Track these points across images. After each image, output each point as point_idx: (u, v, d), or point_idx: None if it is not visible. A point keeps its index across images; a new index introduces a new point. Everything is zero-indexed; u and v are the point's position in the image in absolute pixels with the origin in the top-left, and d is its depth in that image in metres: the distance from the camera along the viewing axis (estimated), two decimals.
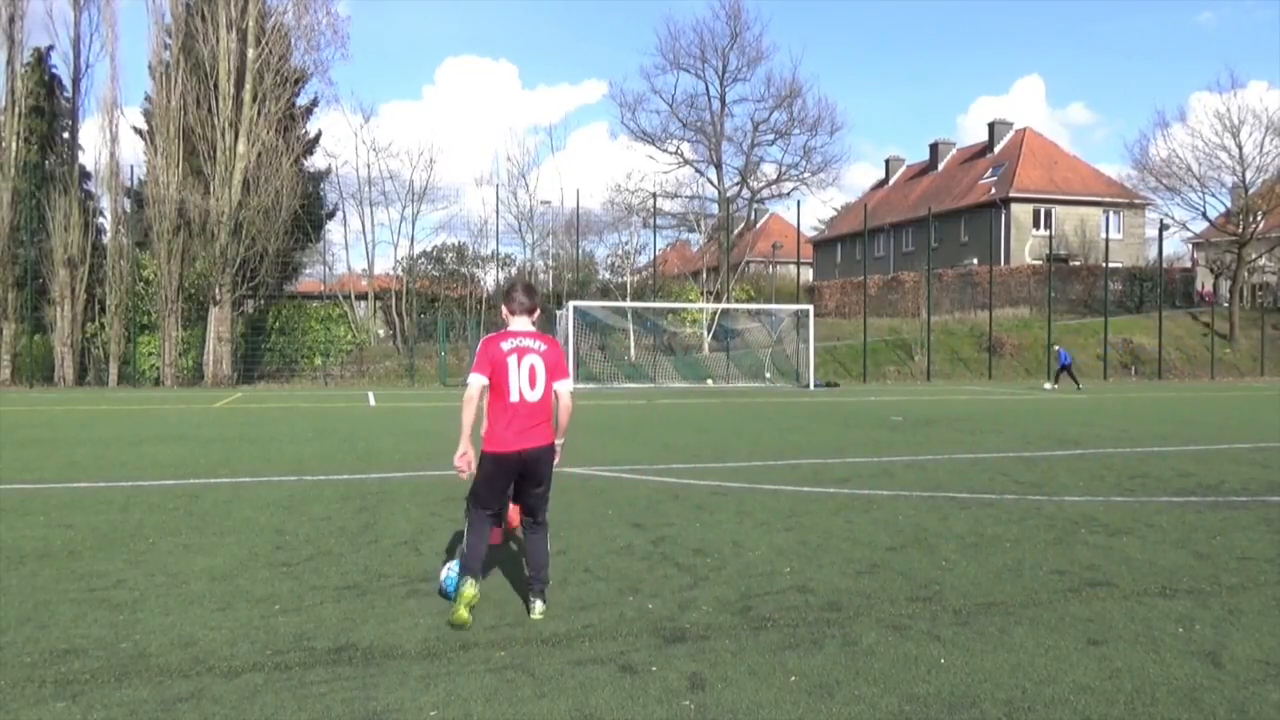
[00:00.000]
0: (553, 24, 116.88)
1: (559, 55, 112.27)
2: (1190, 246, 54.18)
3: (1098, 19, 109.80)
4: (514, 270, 42.24)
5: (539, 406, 4.93)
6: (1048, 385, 30.83)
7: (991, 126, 53.44)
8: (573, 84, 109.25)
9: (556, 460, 5.12)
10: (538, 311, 5.17)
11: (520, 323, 5.07)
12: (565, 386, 5.08)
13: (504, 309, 5.16)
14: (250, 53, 32.51)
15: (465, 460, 4.95)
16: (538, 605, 4.96)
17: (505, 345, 4.94)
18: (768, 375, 34.33)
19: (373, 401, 23.73)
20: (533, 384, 4.91)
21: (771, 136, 44.60)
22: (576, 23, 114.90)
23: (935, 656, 4.30)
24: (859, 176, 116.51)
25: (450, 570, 5.22)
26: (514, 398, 4.88)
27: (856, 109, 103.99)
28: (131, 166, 35.35)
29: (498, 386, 4.91)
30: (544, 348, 5.00)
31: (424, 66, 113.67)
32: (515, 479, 5.02)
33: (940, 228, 46.83)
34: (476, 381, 4.92)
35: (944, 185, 54.10)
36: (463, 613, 4.74)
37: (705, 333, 37.95)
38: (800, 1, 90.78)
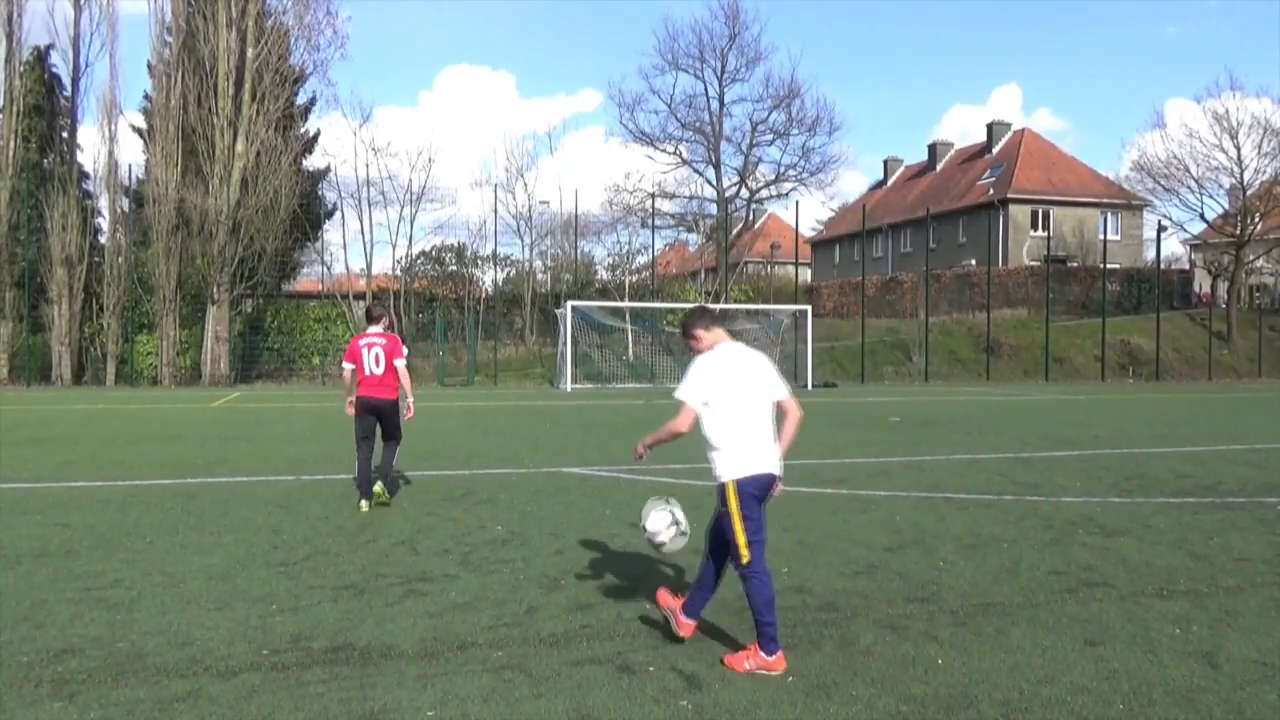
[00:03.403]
0: (552, 33, 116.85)
1: (557, 64, 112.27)
2: (1188, 248, 54.18)
3: (1073, 29, 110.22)
4: (513, 271, 42.90)
5: (383, 377, 8.11)
6: None
7: (990, 127, 53.41)
8: (570, 93, 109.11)
9: (408, 413, 8.36)
10: (384, 319, 8.45)
11: (373, 328, 8.26)
12: (400, 363, 8.19)
13: (366, 319, 8.39)
14: (250, 51, 32.45)
15: (351, 406, 8.16)
16: (378, 485, 8.04)
17: (363, 342, 8.15)
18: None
19: None
20: (377, 364, 8.09)
21: (770, 137, 44.60)
22: (576, 32, 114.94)
23: (933, 657, 4.30)
24: (843, 183, 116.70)
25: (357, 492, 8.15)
26: (367, 373, 8.09)
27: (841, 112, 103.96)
28: (130, 165, 35.36)
29: (359, 368, 8.07)
30: (385, 342, 8.17)
31: (422, 72, 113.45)
32: (375, 418, 8.16)
33: (938, 228, 46.80)
34: (347, 367, 8.11)
35: (942, 186, 54.05)
36: (366, 507, 7.94)
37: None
38: (798, 2, 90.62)
